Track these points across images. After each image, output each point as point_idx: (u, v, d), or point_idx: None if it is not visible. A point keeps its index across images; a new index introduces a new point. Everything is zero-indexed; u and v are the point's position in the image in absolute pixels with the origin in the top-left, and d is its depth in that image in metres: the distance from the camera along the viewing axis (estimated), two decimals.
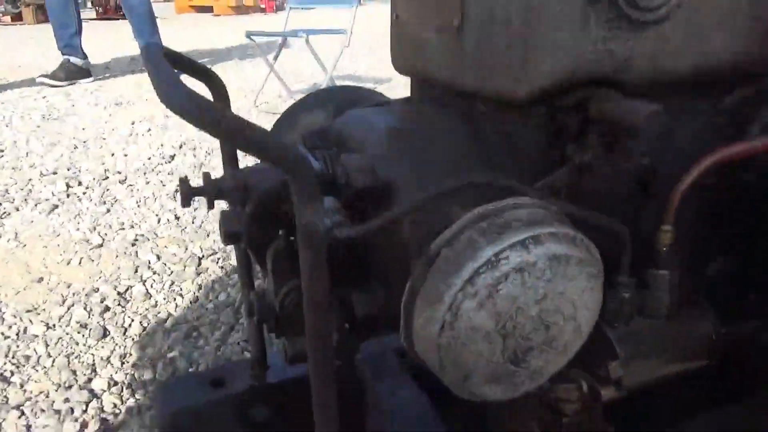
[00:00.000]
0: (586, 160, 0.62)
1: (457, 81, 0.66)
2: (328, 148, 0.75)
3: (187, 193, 0.65)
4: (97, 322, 1.44)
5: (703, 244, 0.77)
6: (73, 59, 4.32)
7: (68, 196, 2.22)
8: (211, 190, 0.65)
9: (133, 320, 1.45)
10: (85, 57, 4.48)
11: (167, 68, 0.52)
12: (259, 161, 0.78)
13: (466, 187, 0.55)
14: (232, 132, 0.43)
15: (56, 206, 2.13)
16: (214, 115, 0.42)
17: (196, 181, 0.64)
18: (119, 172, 2.47)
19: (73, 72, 4.33)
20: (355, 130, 0.71)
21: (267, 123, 3.42)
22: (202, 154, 2.69)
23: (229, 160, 0.83)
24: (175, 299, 1.54)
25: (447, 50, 0.66)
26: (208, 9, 13.26)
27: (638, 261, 0.68)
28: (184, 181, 0.64)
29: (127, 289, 1.60)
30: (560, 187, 0.63)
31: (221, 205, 0.71)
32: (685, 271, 0.72)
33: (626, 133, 0.60)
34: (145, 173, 2.46)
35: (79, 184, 2.34)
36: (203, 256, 1.75)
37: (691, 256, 0.75)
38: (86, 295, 1.57)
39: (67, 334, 1.40)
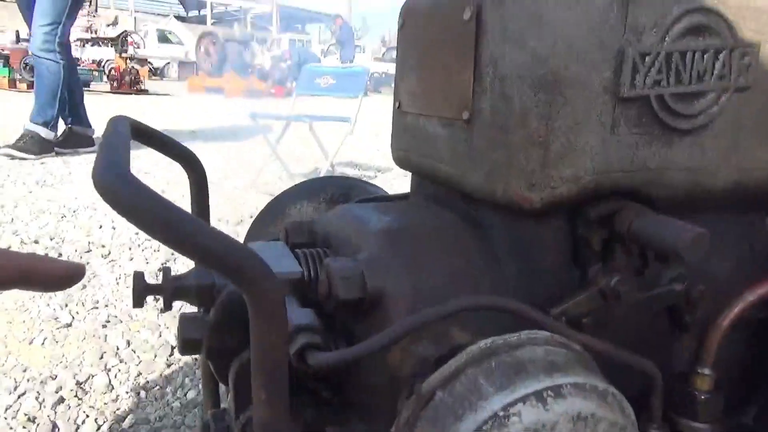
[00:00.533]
0: (612, 284, 0.52)
1: (464, 181, 0.58)
2: (313, 245, 0.65)
3: (141, 290, 0.55)
4: (48, 416, 1.28)
5: (748, 389, 0.66)
6: (42, 131, 4.05)
7: None
8: (170, 289, 0.56)
9: (87, 416, 1.29)
10: (89, 125, 4.50)
11: (118, 145, 0.43)
12: None
13: (469, 309, 0.45)
14: (177, 236, 0.33)
15: None
16: (154, 211, 0.33)
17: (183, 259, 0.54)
18: (103, 246, 2.37)
19: (43, 144, 3.98)
20: (346, 228, 0.62)
21: (263, 203, 3.37)
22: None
23: None
24: (139, 393, 1.39)
25: (453, 146, 0.58)
26: (219, 90, 13.72)
27: (671, 406, 0.57)
28: (138, 277, 0.55)
29: (87, 378, 1.45)
30: (581, 315, 0.53)
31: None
32: (724, 421, 0.60)
33: (660, 257, 0.51)
34: (130, 248, 2.36)
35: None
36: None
37: (733, 402, 0.63)
38: (41, 382, 1.42)
39: (11, 429, 1.24)
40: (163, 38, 22.15)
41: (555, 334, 0.46)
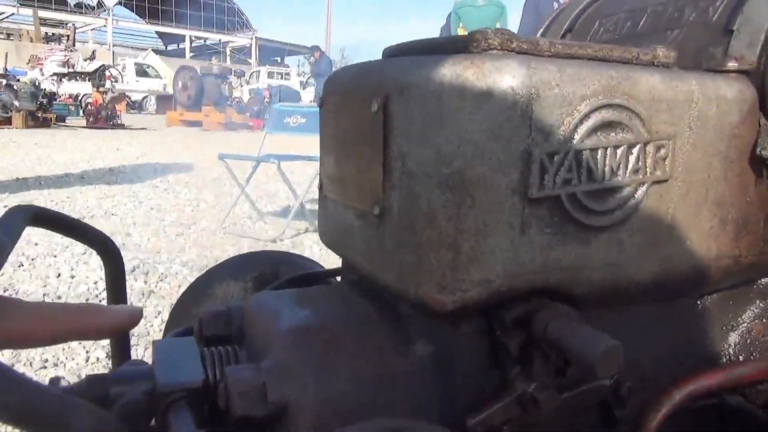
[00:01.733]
0: (530, 391, 0.49)
1: (378, 275, 0.55)
2: (228, 339, 0.62)
3: None
4: None
5: None
6: None
7: (44, 295, 2.03)
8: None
9: None
10: None
11: None
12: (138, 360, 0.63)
13: None
14: None
15: None
16: None
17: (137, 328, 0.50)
18: (59, 297, 2.29)
19: None
20: (257, 322, 0.58)
21: (231, 245, 3.32)
22: (154, 280, 2.53)
23: (120, 350, 0.69)
24: None
25: (367, 240, 0.56)
26: (197, 123, 13.68)
27: None
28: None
29: None
30: (501, 424, 0.50)
31: None
32: None
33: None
34: (87, 299, 2.29)
35: None
36: None
37: None
38: None
39: None
40: (142, 72, 22.18)
41: None
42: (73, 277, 2.52)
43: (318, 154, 0.68)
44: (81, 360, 1.79)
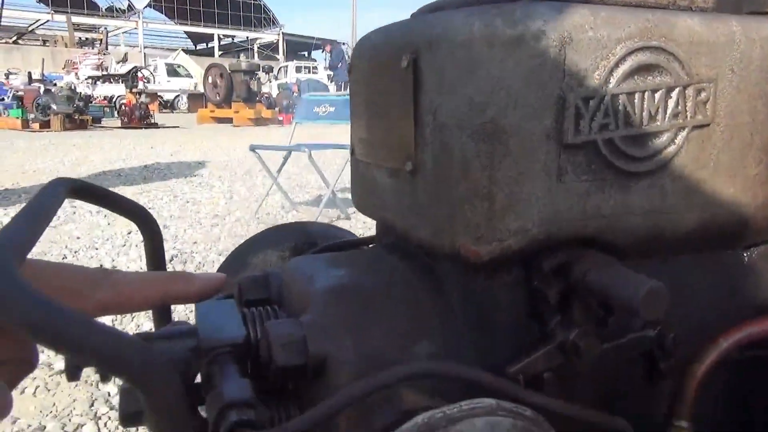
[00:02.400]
0: (571, 338, 0.49)
1: (412, 233, 0.55)
2: (268, 301, 0.63)
3: (74, 364, 0.52)
4: None
5: None
6: None
7: None
8: None
9: None
10: None
11: (19, 227, 0.41)
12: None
13: (404, 379, 0.42)
14: (61, 336, 0.31)
15: None
16: (21, 301, 0.31)
17: None
18: None
19: None
20: (295, 284, 0.59)
21: None
22: (192, 268, 2.59)
23: (160, 313, 0.71)
24: None
25: (399, 198, 0.56)
26: (228, 120, 13.87)
27: None
28: None
29: (76, 428, 1.42)
30: (541, 373, 0.50)
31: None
32: None
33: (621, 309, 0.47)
34: None
35: None
36: None
37: None
38: None
39: None
40: (172, 72, 22.57)
41: (504, 400, 0.42)
42: (114, 267, 2.59)
43: (348, 143, 0.69)
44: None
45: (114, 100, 16.50)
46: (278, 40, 38.72)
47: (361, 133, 0.63)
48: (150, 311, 0.68)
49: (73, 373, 0.52)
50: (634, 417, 0.53)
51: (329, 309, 0.53)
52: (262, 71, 17.95)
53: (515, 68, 0.46)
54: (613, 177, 0.49)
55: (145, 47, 32.65)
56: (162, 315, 0.67)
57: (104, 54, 22.16)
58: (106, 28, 30.52)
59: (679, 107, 0.50)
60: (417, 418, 0.40)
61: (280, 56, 36.46)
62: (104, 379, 0.55)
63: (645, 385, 0.57)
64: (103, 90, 17.78)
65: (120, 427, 1.43)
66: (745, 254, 0.61)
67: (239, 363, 0.52)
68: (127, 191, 4.52)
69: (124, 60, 22.37)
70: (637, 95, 0.48)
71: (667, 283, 0.56)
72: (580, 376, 0.53)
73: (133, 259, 2.71)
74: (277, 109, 15.25)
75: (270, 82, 20.58)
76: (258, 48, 40.01)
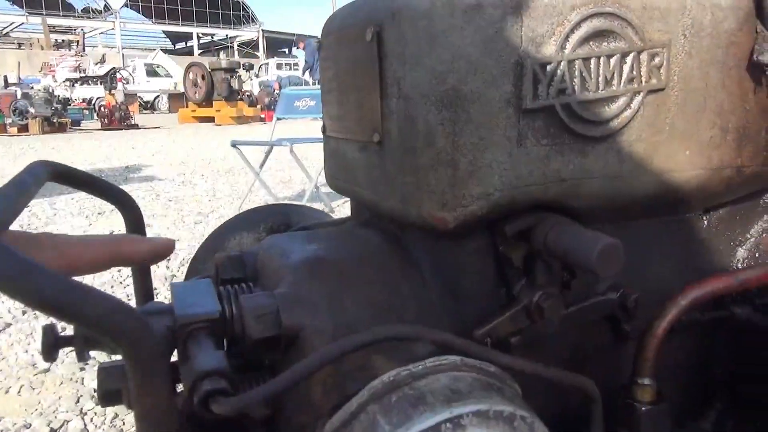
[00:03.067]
0: (535, 301, 0.50)
1: (382, 204, 0.56)
2: (244, 279, 0.64)
3: (50, 344, 0.53)
4: None
5: (685, 393, 0.63)
6: None
7: (24, 313, 2.09)
8: (81, 339, 0.53)
9: None
10: None
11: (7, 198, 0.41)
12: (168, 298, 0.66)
13: (373, 342, 0.43)
14: (51, 300, 0.32)
15: (9, 324, 1.99)
16: (23, 277, 0.31)
17: (166, 293, 0.54)
18: None
19: None
20: (270, 260, 0.60)
21: None
22: (176, 265, 2.58)
23: (143, 294, 0.71)
24: None
25: (369, 170, 0.57)
26: (209, 119, 13.76)
27: (615, 419, 0.55)
28: (48, 331, 0.53)
29: (62, 425, 1.42)
30: (508, 335, 0.51)
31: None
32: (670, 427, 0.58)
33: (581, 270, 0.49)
34: (112, 286, 2.34)
35: None
36: None
37: (679, 409, 0.61)
38: None
39: None
40: (152, 72, 22.31)
41: (470, 358, 0.44)
42: None
43: None
44: None
45: (93, 102, 16.28)
46: (258, 37, 38.44)
47: (331, 109, 0.64)
48: (134, 294, 0.68)
49: (49, 352, 0.53)
50: (602, 377, 0.54)
51: (303, 281, 0.54)
52: (243, 69, 17.83)
53: (474, 36, 0.47)
54: (572, 141, 0.50)
55: (123, 48, 32.23)
56: (143, 293, 0.68)
57: (81, 56, 21.84)
58: (82, 29, 30.06)
59: (634, 72, 0.51)
60: (383, 376, 0.41)
61: (261, 53, 36.21)
62: (81, 357, 0.55)
63: (611, 346, 0.59)
64: (82, 92, 17.53)
65: (107, 422, 1.43)
66: (704, 217, 0.63)
67: (215, 338, 0.53)
68: None
69: (102, 61, 22.07)
70: (592, 60, 0.50)
71: (628, 248, 0.58)
72: (547, 338, 0.54)
73: None
74: (258, 106, 15.16)
75: (251, 79, 20.44)
76: (238, 46, 39.69)
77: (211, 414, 0.44)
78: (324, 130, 0.67)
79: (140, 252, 0.45)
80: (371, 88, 0.53)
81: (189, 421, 0.51)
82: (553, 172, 0.50)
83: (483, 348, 0.47)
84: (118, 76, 16.97)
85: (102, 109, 13.72)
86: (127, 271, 2.50)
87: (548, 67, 0.48)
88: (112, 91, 14.52)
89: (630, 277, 0.57)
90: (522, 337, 0.52)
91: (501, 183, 0.49)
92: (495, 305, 0.53)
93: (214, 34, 40.30)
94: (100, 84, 16.87)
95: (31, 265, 0.32)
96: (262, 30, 38.40)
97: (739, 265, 0.64)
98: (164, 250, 0.47)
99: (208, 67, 13.85)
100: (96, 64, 21.39)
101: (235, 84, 13.99)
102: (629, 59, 0.51)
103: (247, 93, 16.18)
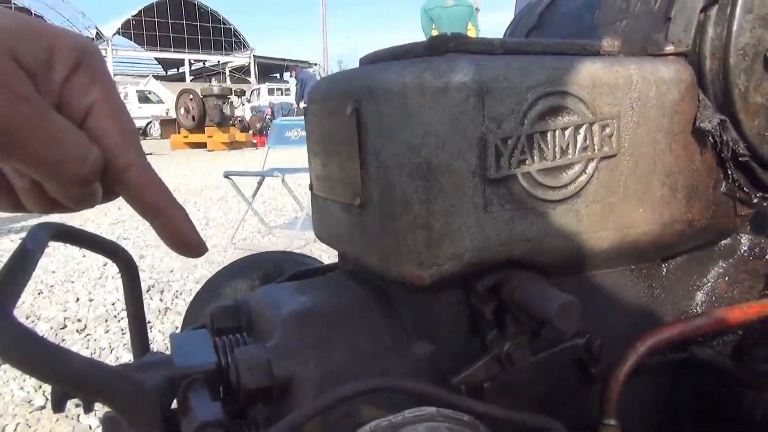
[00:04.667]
0: (505, 350, 0.55)
1: (365, 259, 0.62)
2: (239, 329, 0.68)
3: (59, 397, 0.57)
4: None
5: (662, 430, 0.68)
6: None
7: None
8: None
9: None
10: None
11: (13, 272, 0.46)
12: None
13: (356, 395, 0.48)
14: (54, 373, 0.36)
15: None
16: (29, 351, 0.36)
17: (160, 326, 0.57)
18: (80, 320, 2.37)
19: None
20: (263, 310, 0.65)
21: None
22: (170, 297, 2.61)
23: (140, 341, 0.76)
24: None
25: (351, 229, 0.62)
26: (202, 145, 13.83)
27: None
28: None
29: None
30: (481, 382, 0.56)
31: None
32: None
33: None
34: (106, 320, 2.37)
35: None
36: None
37: None
38: None
39: None
40: (144, 98, 22.45)
41: (444, 408, 0.49)
42: (91, 300, 2.60)
43: None
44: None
45: None
46: (249, 63, 38.78)
47: (317, 170, 0.70)
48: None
49: (58, 405, 0.57)
50: (570, 419, 0.59)
51: (293, 332, 0.59)
52: (235, 95, 17.97)
53: (442, 114, 0.53)
54: (534, 205, 0.56)
55: (115, 75, 32.43)
56: (140, 344, 0.72)
57: None
58: None
59: (587, 141, 0.57)
60: (365, 427, 0.46)
61: (252, 79, 36.52)
62: (87, 410, 0.59)
63: (579, 389, 0.64)
64: None
65: None
66: (663, 266, 0.69)
67: (212, 388, 0.58)
68: (102, 222, 4.51)
69: None
70: (549, 133, 0.55)
71: (591, 297, 0.63)
72: (519, 383, 0.59)
73: (109, 291, 2.72)
74: (250, 132, 15.25)
75: (243, 105, 20.59)
76: (230, 71, 40.00)
77: None
78: (311, 188, 0.73)
79: (184, 233, 0.38)
80: (352, 156, 0.59)
81: None
82: (517, 233, 0.56)
83: (456, 396, 0.52)
84: None
85: None
86: (120, 305, 2.53)
87: (509, 141, 0.54)
88: None
89: (594, 323, 0.62)
90: (495, 382, 0.57)
91: (471, 244, 0.55)
92: (469, 354, 0.58)
93: (205, 60, 40.63)
94: None
95: (42, 344, 0.37)
96: (254, 56, 38.79)
97: (698, 309, 0.70)
98: (195, 247, 0.39)
99: (200, 93, 13.98)
100: None
101: (227, 110, 14.10)
102: (582, 130, 0.57)
103: (239, 118, 16.30)
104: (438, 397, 0.51)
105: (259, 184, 3.82)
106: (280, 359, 0.56)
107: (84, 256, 3.39)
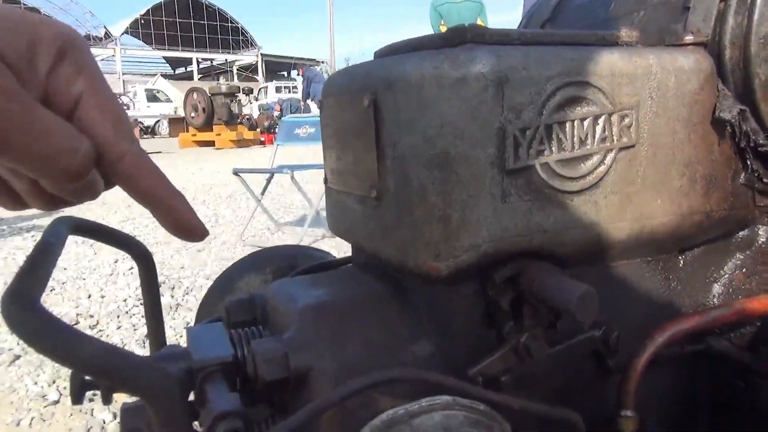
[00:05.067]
0: (522, 341, 0.55)
1: (381, 253, 0.61)
2: (253, 322, 0.68)
3: (78, 389, 0.57)
4: None
5: (671, 421, 0.68)
6: None
7: None
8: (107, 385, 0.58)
9: None
10: None
11: (39, 262, 0.46)
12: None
13: (372, 385, 0.48)
14: (82, 362, 0.36)
15: (18, 356, 2.03)
16: (58, 341, 0.36)
17: (171, 322, 0.57)
18: (92, 316, 2.39)
19: None
20: (279, 304, 0.65)
21: None
22: (180, 294, 2.62)
23: (156, 335, 0.76)
24: None
25: (367, 221, 0.62)
26: (210, 143, 13.88)
27: None
28: (75, 377, 0.57)
29: None
30: (498, 374, 0.56)
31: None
32: None
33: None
34: (118, 316, 2.38)
35: None
36: None
37: None
38: None
39: None
40: (152, 97, 22.56)
41: (461, 397, 0.48)
42: (103, 297, 2.62)
43: None
44: None
45: None
46: (257, 61, 38.83)
47: (332, 163, 0.70)
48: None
49: (77, 397, 0.57)
50: (587, 411, 0.59)
51: (308, 325, 0.59)
52: (242, 93, 18.02)
53: (460, 105, 0.52)
54: (552, 195, 0.56)
55: (123, 74, 32.61)
56: (157, 339, 0.72)
57: None
58: None
59: (606, 132, 0.57)
60: (382, 415, 0.46)
61: (260, 77, 36.59)
62: (106, 401, 0.60)
63: (596, 382, 0.64)
64: None
65: None
66: (680, 257, 0.68)
67: (229, 380, 0.58)
68: (112, 220, 4.53)
69: None
70: (567, 124, 0.55)
71: (609, 288, 0.63)
72: (536, 375, 0.59)
73: (121, 287, 2.74)
74: (258, 129, 15.29)
75: (250, 103, 20.64)
76: (237, 69, 40.08)
77: None
78: (326, 181, 0.73)
79: (184, 219, 0.37)
80: (368, 148, 0.59)
81: None
82: (535, 224, 0.56)
83: (474, 387, 0.52)
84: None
85: None
86: (132, 301, 2.55)
87: (527, 132, 0.54)
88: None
89: (612, 314, 0.62)
90: (512, 375, 0.57)
91: (488, 235, 0.54)
92: (485, 347, 0.58)
93: (213, 59, 40.74)
94: None
95: (71, 333, 0.37)
96: (261, 54, 38.85)
97: (715, 301, 0.69)
98: (197, 231, 0.39)
99: (208, 91, 14.02)
100: None
101: (235, 108, 14.14)
102: (601, 121, 0.56)
103: (247, 116, 16.34)
104: (454, 388, 0.50)
105: (268, 181, 3.83)
106: (297, 351, 0.56)
107: (95, 253, 3.41)
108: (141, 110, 21.15)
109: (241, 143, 13.79)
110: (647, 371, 0.60)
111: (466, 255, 0.54)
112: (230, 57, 40.38)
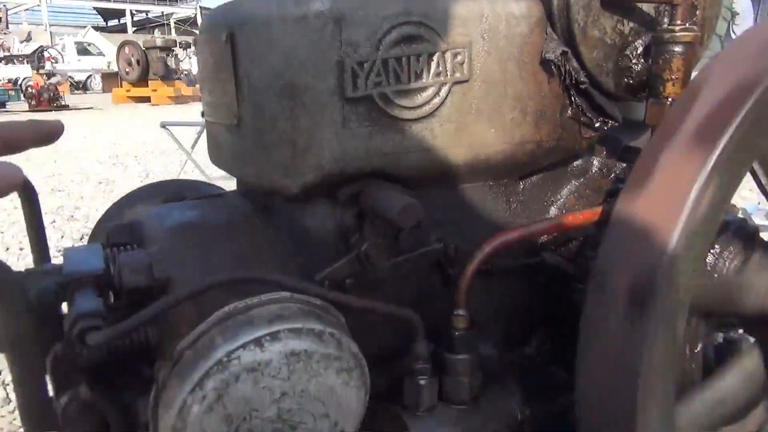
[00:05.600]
0: (363, 249, 0.63)
1: (243, 176, 0.68)
2: (131, 244, 0.74)
3: None
4: None
5: (509, 325, 0.78)
6: None
7: None
8: None
9: None
10: None
11: None
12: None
13: (221, 284, 0.55)
14: None
15: None
16: None
17: None
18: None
19: None
20: (151, 226, 0.70)
21: None
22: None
23: (39, 251, 0.80)
24: None
25: (232, 148, 0.68)
26: (146, 99, 13.35)
27: (439, 345, 0.69)
28: None
29: None
30: (343, 279, 0.64)
31: None
32: (489, 352, 0.73)
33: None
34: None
35: None
36: None
37: (497, 337, 0.76)
38: None
39: None
40: (83, 50, 21.31)
41: (302, 295, 0.56)
42: (21, 249, 2.58)
43: None
44: None
45: (19, 82, 15.47)
46: (196, 14, 37.12)
47: (206, 96, 0.75)
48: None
49: None
50: (433, 314, 0.68)
51: (175, 241, 0.65)
52: (180, 47, 17.29)
53: (303, 40, 0.58)
54: (390, 123, 0.63)
55: (50, 25, 30.56)
56: (40, 254, 0.77)
57: (5, 33, 20.62)
58: (5, 5, 28.31)
59: (440, 67, 0.64)
60: (225, 307, 0.53)
61: (198, 31, 35.06)
62: None
63: (440, 289, 0.73)
64: (6, 72, 16.61)
65: None
66: (520, 183, 0.78)
67: (99, 292, 0.64)
68: (35, 174, 4.37)
69: (28, 39, 20.94)
70: (403, 59, 0.62)
71: (451, 207, 0.71)
72: (380, 282, 0.67)
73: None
74: (197, 85, 14.79)
75: (189, 58, 19.87)
76: (175, 23, 38.18)
77: (85, 347, 0.54)
78: (203, 114, 0.78)
79: (25, 138, 0.40)
80: (228, 80, 0.64)
81: (84, 373, 0.61)
82: (375, 147, 0.63)
83: (312, 286, 0.59)
84: (46, 54, 16.17)
85: (29, 89, 13.08)
86: (53, 252, 2.52)
87: (365, 65, 0.60)
88: (40, 71, 13.86)
89: (454, 230, 0.71)
90: (356, 280, 0.65)
91: (331, 156, 0.61)
92: (337, 258, 0.65)
93: (148, 11, 38.63)
94: (27, 63, 16.03)
95: None
96: (200, 7, 37.15)
97: None
98: (50, 131, 0.42)
99: (142, 45, 13.40)
100: (21, 42, 20.26)
101: (171, 63, 13.61)
102: (435, 57, 0.64)
103: (186, 72, 15.76)
104: (294, 287, 0.58)
105: (199, 134, 3.77)
106: (161, 263, 0.62)
107: (15, 207, 3.31)
108: (71, 64, 19.99)
109: (179, 99, 13.32)
110: (485, 282, 0.70)
111: (311, 174, 0.61)
112: (167, 9, 38.39)
